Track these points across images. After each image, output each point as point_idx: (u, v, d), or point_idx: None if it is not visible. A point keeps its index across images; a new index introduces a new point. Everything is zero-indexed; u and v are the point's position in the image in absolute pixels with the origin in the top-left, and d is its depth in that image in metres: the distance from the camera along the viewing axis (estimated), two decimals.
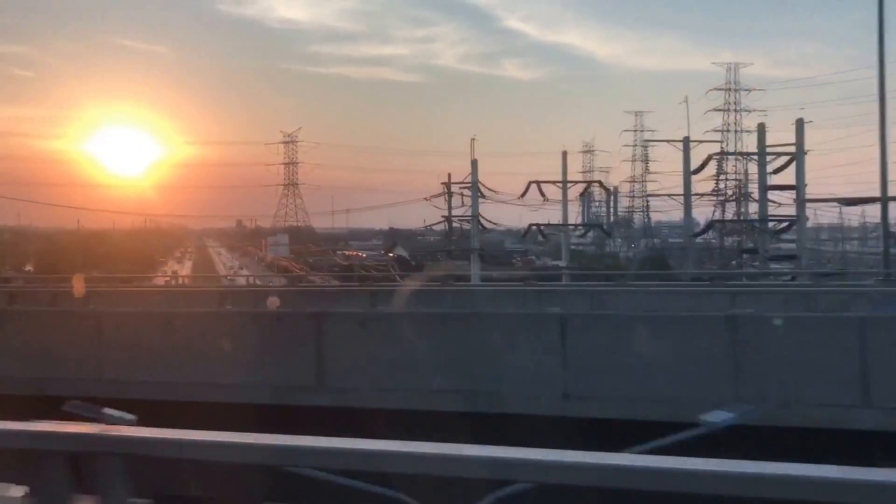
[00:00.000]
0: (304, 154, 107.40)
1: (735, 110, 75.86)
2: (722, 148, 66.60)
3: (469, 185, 44.04)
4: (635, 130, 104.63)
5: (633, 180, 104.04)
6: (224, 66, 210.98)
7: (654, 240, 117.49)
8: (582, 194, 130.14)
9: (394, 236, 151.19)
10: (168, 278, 65.20)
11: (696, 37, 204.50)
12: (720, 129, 76.82)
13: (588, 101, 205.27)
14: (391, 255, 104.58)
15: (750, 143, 76.35)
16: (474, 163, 43.43)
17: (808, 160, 35.79)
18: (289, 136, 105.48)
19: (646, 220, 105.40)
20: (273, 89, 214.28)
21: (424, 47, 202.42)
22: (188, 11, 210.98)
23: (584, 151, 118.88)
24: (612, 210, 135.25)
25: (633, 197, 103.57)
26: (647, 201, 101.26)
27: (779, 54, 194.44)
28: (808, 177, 35.69)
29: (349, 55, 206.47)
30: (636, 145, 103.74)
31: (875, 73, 24.76)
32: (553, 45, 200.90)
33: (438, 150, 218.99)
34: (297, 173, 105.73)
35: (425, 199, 50.09)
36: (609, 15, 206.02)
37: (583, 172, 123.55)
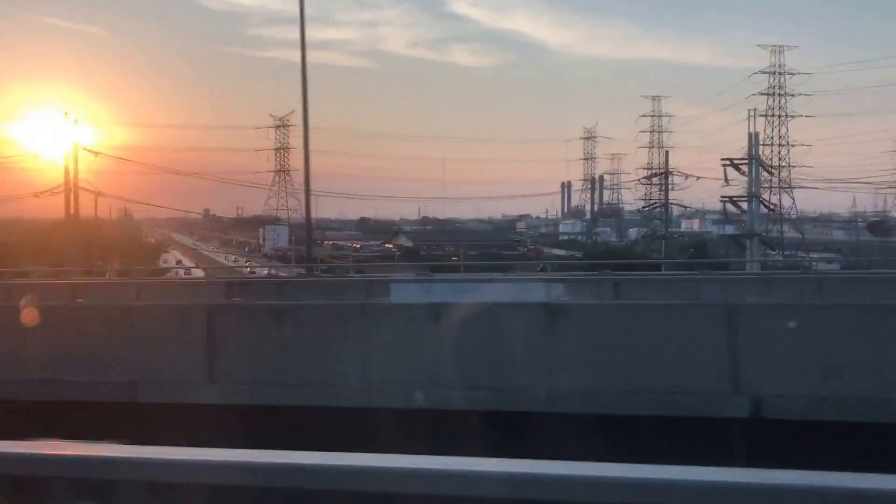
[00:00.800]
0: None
1: (779, 94, 74.19)
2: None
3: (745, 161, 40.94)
4: (653, 116, 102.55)
5: (649, 167, 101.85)
6: (164, 49, 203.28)
7: (644, 229, 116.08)
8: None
9: (365, 226, 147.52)
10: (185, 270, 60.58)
11: (645, 25, 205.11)
12: (764, 113, 75.07)
13: (543, 88, 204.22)
14: (390, 245, 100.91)
15: (794, 127, 75.22)
16: (755, 136, 40.62)
17: None
18: (280, 119, 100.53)
19: (666, 209, 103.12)
20: (214, 73, 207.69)
21: (371, 31, 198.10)
22: None
23: (586, 138, 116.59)
24: (597, 198, 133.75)
25: (651, 184, 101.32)
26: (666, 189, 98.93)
27: (725, 45, 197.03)
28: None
29: (294, 39, 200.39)
30: (654, 131, 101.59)
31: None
32: (503, 31, 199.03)
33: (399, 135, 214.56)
34: (288, 159, 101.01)
35: (641, 179, 47.10)
36: (559, 1, 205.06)
37: (584, 160, 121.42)
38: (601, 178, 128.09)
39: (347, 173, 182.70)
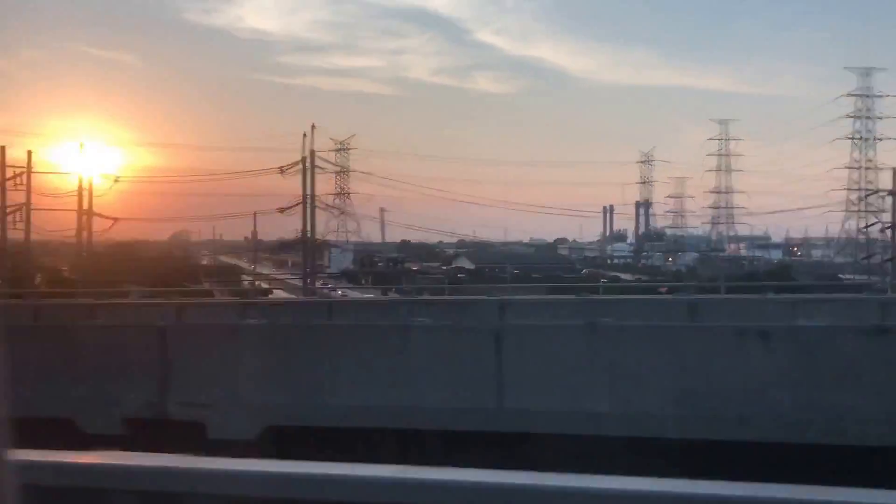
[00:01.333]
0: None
1: (867, 117, 74.49)
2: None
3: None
4: (720, 139, 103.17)
5: (717, 191, 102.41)
6: (194, 76, 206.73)
7: (694, 252, 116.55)
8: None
9: (407, 249, 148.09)
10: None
11: (665, 52, 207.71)
12: (851, 136, 75.49)
13: (565, 113, 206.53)
14: (444, 267, 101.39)
15: (882, 151, 75.32)
16: None
17: None
18: (340, 143, 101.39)
19: (730, 234, 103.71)
20: (243, 98, 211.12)
21: (396, 59, 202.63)
22: (156, 21, 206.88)
23: (643, 162, 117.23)
24: (641, 222, 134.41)
25: (718, 208, 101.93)
26: (732, 213, 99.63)
27: (744, 71, 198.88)
28: None
29: (320, 66, 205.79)
30: (720, 154, 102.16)
31: None
32: (525, 58, 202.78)
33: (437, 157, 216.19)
34: (348, 183, 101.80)
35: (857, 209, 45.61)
36: (580, 29, 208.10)
37: (641, 183, 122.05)
38: (647, 201, 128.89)
39: (383, 195, 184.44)
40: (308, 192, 40.22)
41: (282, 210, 42.42)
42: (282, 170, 41.63)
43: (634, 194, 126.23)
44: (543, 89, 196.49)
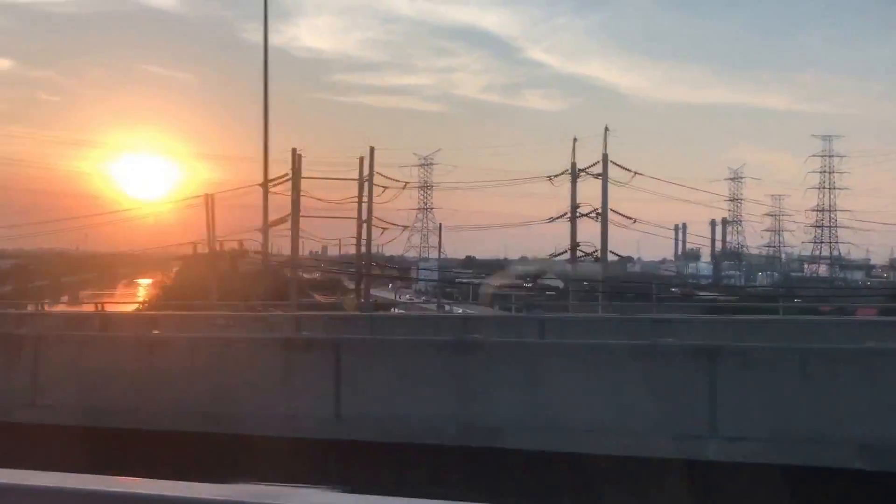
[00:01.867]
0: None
1: None
2: None
3: None
4: (823, 156, 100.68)
5: (819, 209, 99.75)
6: (250, 94, 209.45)
7: (775, 273, 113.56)
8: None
9: (472, 265, 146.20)
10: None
11: (718, 69, 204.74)
12: None
13: (615, 131, 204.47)
14: (527, 284, 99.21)
15: None
16: None
17: None
18: (424, 158, 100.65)
19: (833, 253, 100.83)
20: (297, 116, 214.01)
21: (446, 77, 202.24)
22: (214, 40, 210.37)
23: (733, 179, 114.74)
24: (717, 241, 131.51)
25: (821, 227, 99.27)
26: (836, 233, 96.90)
27: (803, 89, 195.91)
28: None
29: (372, 84, 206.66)
30: (824, 172, 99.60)
31: None
32: (576, 76, 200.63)
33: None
34: (432, 198, 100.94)
35: None
36: (632, 46, 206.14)
37: (731, 200, 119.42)
38: (724, 220, 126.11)
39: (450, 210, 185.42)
40: (576, 201, 40.22)
41: (552, 219, 42.12)
42: (551, 178, 41.74)
43: (708, 212, 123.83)
44: (595, 107, 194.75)
